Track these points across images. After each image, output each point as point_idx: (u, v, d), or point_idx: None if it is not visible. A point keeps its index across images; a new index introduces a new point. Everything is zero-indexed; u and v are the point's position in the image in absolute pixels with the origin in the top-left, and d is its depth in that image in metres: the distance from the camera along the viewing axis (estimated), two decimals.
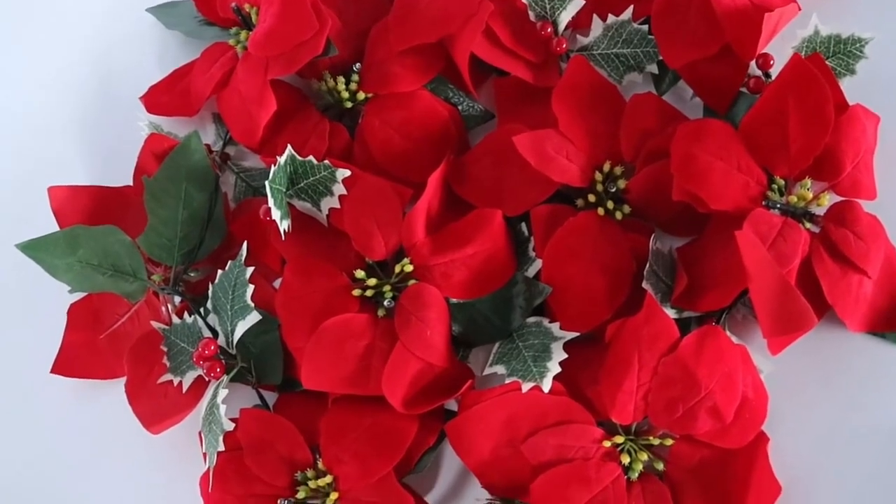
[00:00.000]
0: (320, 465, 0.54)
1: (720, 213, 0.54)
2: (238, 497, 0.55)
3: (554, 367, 0.52)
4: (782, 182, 0.54)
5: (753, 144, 0.54)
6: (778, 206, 0.53)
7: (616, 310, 0.54)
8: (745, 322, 0.56)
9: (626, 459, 0.53)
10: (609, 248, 0.55)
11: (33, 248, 0.58)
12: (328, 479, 0.53)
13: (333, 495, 0.53)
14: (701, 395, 0.51)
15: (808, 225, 0.53)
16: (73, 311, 0.61)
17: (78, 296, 0.60)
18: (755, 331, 0.55)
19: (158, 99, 0.63)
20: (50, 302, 0.61)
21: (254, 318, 0.54)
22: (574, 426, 0.53)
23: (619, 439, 0.53)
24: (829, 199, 0.54)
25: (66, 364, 0.60)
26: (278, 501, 0.53)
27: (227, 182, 0.63)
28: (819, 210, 0.54)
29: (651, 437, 0.53)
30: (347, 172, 0.55)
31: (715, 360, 0.51)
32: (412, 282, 0.54)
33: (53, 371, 0.60)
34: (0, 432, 0.63)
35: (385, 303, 0.54)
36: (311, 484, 0.54)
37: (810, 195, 0.53)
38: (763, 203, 0.53)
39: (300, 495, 0.54)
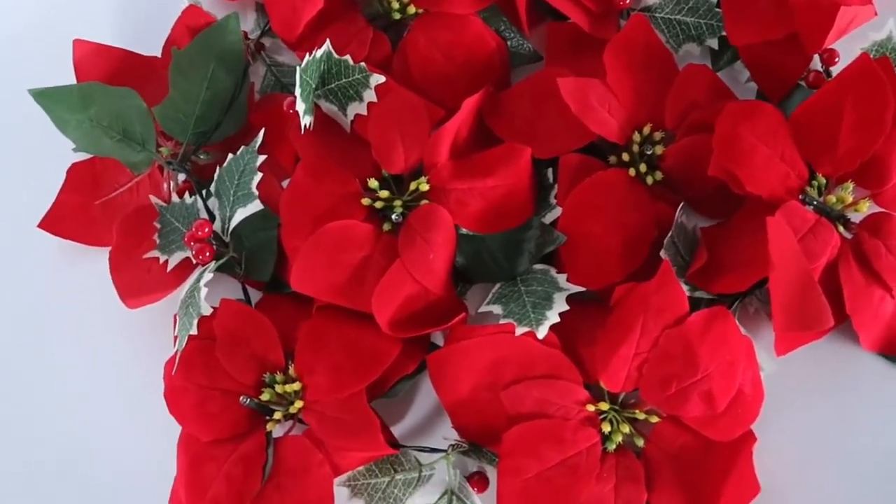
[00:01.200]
0: (291, 370, 0.51)
1: (753, 198, 0.51)
2: (200, 387, 0.51)
3: (553, 317, 0.49)
4: (823, 181, 0.51)
5: (801, 137, 0.51)
6: (814, 203, 0.50)
7: (628, 274, 0.51)
8: (756, 317, 0.52)
9: (606, 428, 0.49)
10: (633, 211, 0.52)
11: (46, 97, 0.55)
12: (296, 386, 0.50)
13: (298, 404, 0.50)
14: (698, 376, 0.48)
15: (840, 229, 0.50)
16: (74, 171, 0.58)
17: (81, 157, 0.57)
18: (765, 327, 0.52)
19: None
20: (53, 158, 0.57)
21: (255, 206, 0.51)
22: (560, 382, 0.50)
23: (604, 406, 0.49)
24: (868, 208, 0.51)
25: (55, 222, 0.57)
26: (241, 398, 0.50)
27: (256, 73, 0.59)
28: (855, 216, 0.51)
29: (637, 411, 0.50)
30: (382, 79, 0.52)
31: (719, 343, 0.48)
32: (424, 202, 0.51)
33: (41, 226, 0.57)
34: None
35: (393, 216, 0.51)
36: (278, 388, 0.51)
37: (849, 199, 0.50)
38: (800, 197, 0.50)
39: (264, 397, 0.50)
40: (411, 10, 0.56)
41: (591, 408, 0.49)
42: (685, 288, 0.50)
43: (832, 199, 0.50)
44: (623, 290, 0.50)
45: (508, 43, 0.57)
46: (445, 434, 0.51)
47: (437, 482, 0.51)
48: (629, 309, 0.49)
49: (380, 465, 0.51)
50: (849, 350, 0.52)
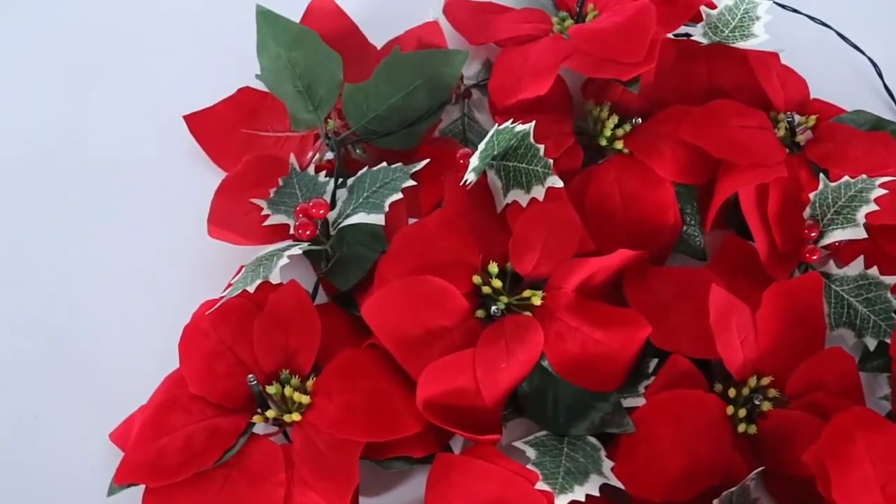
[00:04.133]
0: (310, 383, 0.46)
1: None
2: (220, 341, 0.46)
3: (579, 494, 0.42)
4: None
5: None
6: None
7: (671, 501, 0.45)
8: None
9: None
10: (710, 445, 0.46)
11: (265, 18, 0.53)
12: (305, 399, 0.45)
13: (295, 416, 0.45)
14: None
15: None
16: (244, 92, 0.55)
17: (256, 85, 0.55)
18: None
19: (458, 9, 0.58)
20: (230, 73, 0.55)
21: (377, 219, 0.47)
22: None
23: None
24: None
25: (200, 123, 0.55)
26: (248, 377, 0.45)
27: (449, 114, 0.56)
28: None
29: None
30: (560, 183, 0.48)
31: None
32: (528, 314, 0.47)
33: (186, 117, 0.55)
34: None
35: (493, 308, 0.46)
36: (288, 390, 0.45)
37: None
38: None
39: (270, 389, 0.45)
40: (618, 145, 0.53)
41: None
42: None
43: None
44: None
45: (685, 228, 0.53)
46: None
47: None
48: None
49: None
50: None
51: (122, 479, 0.44)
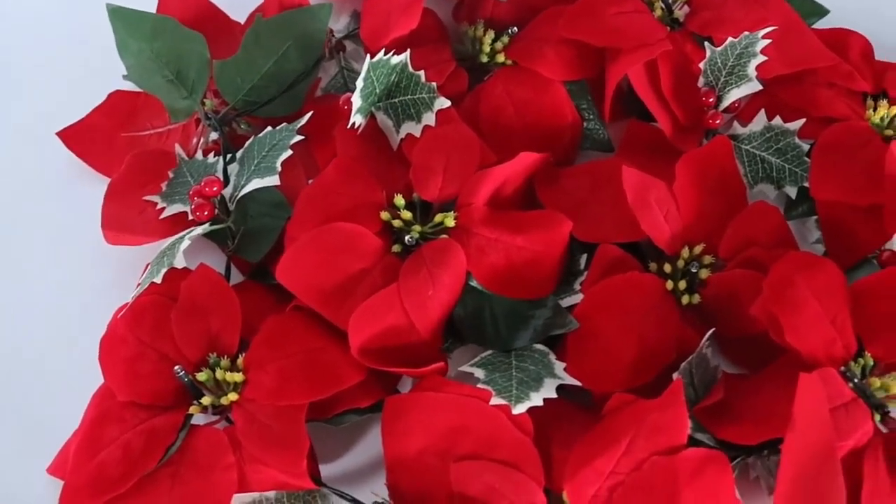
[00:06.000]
0: (240, 361, 0.43)
1: (788, 355, 0.43)
2: (139, 342, 0.43)
3: (536, 399, 0.40)
4: (871, 361, 0.43)
5: (860, 309, 0.43)
6: (855, 381, 0.42)
7: (631, 387, 0.42)
8: (755, 487, 0.43)
9: None
10: (657, 324, 0.44)
11: (119, 16, 0.51)
12: (238, 377, 0.42)
13: (232, 396, 0.42)
14: None
15: (876, 418, 0.42)
16: (115, 97, 0.52)
17: (127, 87, 0.53)
18: (760, 501, 0.44)
19: None
20: (99, 79, 0.52)
21: (273, 181, 0.44)
22: (519, 475, 0.40)
23: None
24: None
25: (76, 137, 0.52)
26: (175, 368, 0.42)
27: (327, 71, 0.54)
28: (895, 410, 0.43)
29: None
30: (447, 103, 0.46)
31: (709, 494, 0.39)
32: (444, 237, 0.45)
33: (60, 135, 0.52)
34: None
35: (406, 238, 0.44)
36: (219, 373, 0.42)
37: (895, 390, 0.43)
38: (840, 369, 0.43)
39: (200, 377, 0.42)
40: (500, 58, 0.51)
41: None
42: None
43: (876, 383, 0.42)
44: (620, 399, 0.41)
45: (585, 124, 0.51)
46: (374, 488, 0.42)
47: None
48: (621, 420, 0.40)
49: (292, 498, 0.42)
50: None
51: None
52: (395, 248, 0.44)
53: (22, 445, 0.46)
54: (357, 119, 0.46)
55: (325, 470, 0.44)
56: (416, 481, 0.41)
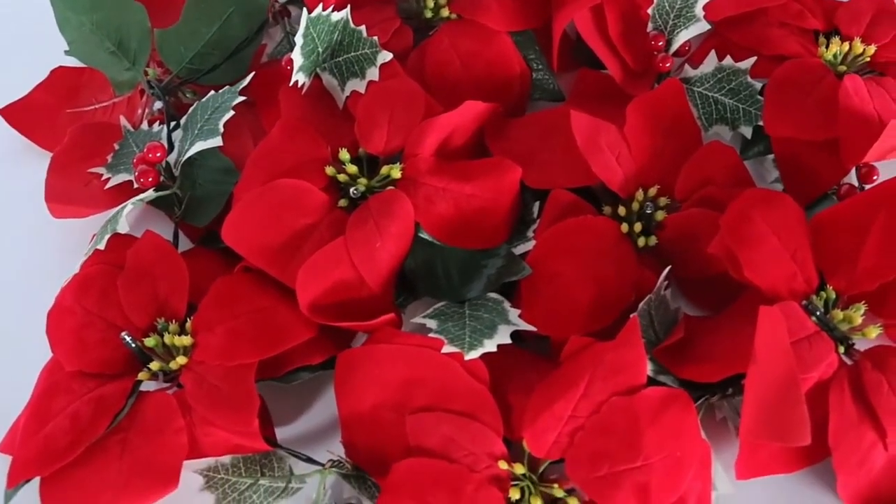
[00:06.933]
0: (188, 324, 0.41)
1: (749, 293, 0.42)
2: (86, 312, 0.42)
3: (490, 346, 0.38)
4: (833, 295, 0.41)
5: (820, 243, 0.42)
6: (817, 314, 0.41)
7: (589, 332, 0.41)
8: (722, 427, 0.41)
9: (514, 496, 0.38)
10: (613, 267, 0.42)
11: None
12: (186, 341, 0.40)
13: (181, 360, 0.40)
14: (637, 463, 0.37)
15: (840, 350, 0.41)
16: (57, 73, 0.51)
17: (70, 63, 0.51)
18: (728, 441, 0.41)
19: None
20: (43, 56, 0.51)
21: (216, 142, 0.42)
22: (476, 425, 0.39)
23: (520, 469, 0.38)
24: (876, 336, 0.41)
25: (18, 114, 0.50)
26: (122, 335, 0.40)
27: (272, 37, 0.53)
28: (860, 342, 0.41)
29: (555, 486, 0.39)
30: (389, 56, 0.45)
31: (672, 433, 0.37)
32: (391, 189, 0.43)
33: (1, 112, 0.50)
34: None
35: (352, 190, 0.42)
36: (167, 338, 0.41)
37: (858, 321, 0.40)
38: (803, 303, 0.41)
39: (148, 342, 0.41)
40: (444, 13, 0.49)
41: (503, 465, 0.38)
42: (648, 366, 0.41)
43: (839, 315, 0.40)
44: (577, 343, 0.39)
45: (534, 74, 0.49)
46: (331, 447, 0.40)
47: (302, 499, 0.40)
48: (578, 363, 0.39)
49: (247, 462, 0.40)
50: (821, 496, 0.41)
51: (13, 481, 0.39)
52: (342, 202, 0.43)
53: None
54: (300, 77, 0.44)
55: (281, 433, 0.42)
56: (371, 436, 0.39)
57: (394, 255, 0.41)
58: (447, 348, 0.39)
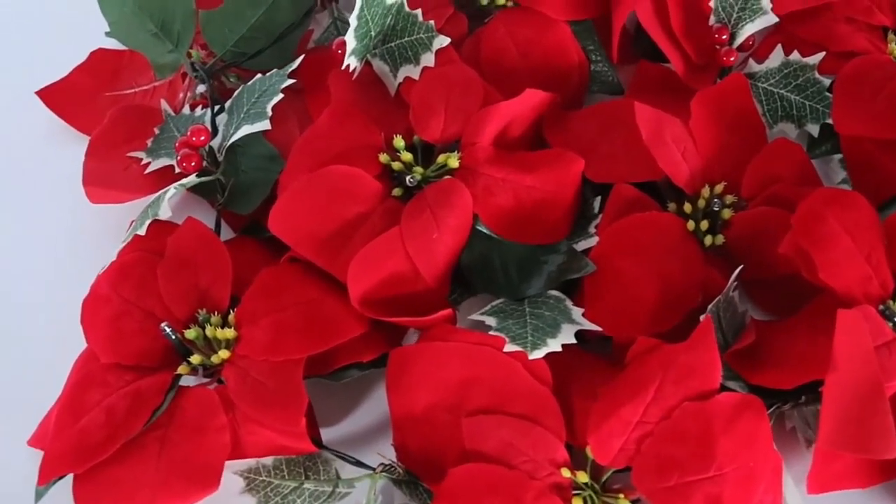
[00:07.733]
0: (231, 317, 0.39)
1: (822, 297, 0.39)
2: (123, 301, 0.39)
3: (554, 345, 0.36)
4: None
5: (894, 246, 0.40)
6: (894, 320, 0.38)
7: (654, 333, 0.38)
8: (792, 438, 0.39)
9: None
10: (679, 266, 0.39)
11: None
12: (229, 333, 0.38)
13: (223, 353, 0.37)
14: (710, 473, 0.34)
15: None
16: (97, 55, 0.49)
17: (110, 45, 0.49)
18: (799, 454, 0.39)
19: None
20: (81, 38, 0.49)
21: (263, 125, 0.40)
22: (538, 430, 0.36)
23: (583, 478, 0.36)
24: None
25: (56, 96, 0.48)
26: (161, 325, 0.38)
27: (319, 23, 0.50)
28: None
29: (620, 497, 0.36)
30: (447, 41, 0.42)
31: (746, 442, 0.35)
32: (449, 178, 0.41)
33: (40, 94, 0.48)
34: None
35: (408, 178, 0.40)
36: (209, 331, 0.38)
37: None
38: (879, 308, 0.39)
39: (189, 334, 0.38)
40: (500, 0, 0.47)
41: (566, 473, 0.35)
42: None
43: None
44: (645, 344, 0.37)
45: (593, 66, 0.47)
46: (381, 449, 0.38)
47: None
48: (646, 366, 0.36)
49: (290, 464, 0.38)
50: None
51: (45, 477, 0.37)
52: (396, 191, 0.40)
53: (5, 420, 0.42)
54: (352, 61, 0.42)
55: (327, 434, 0.39)
56: (425, 439, 0.37)
57: (451, 248, 0.39)
58: (509, 347, 0.36)
